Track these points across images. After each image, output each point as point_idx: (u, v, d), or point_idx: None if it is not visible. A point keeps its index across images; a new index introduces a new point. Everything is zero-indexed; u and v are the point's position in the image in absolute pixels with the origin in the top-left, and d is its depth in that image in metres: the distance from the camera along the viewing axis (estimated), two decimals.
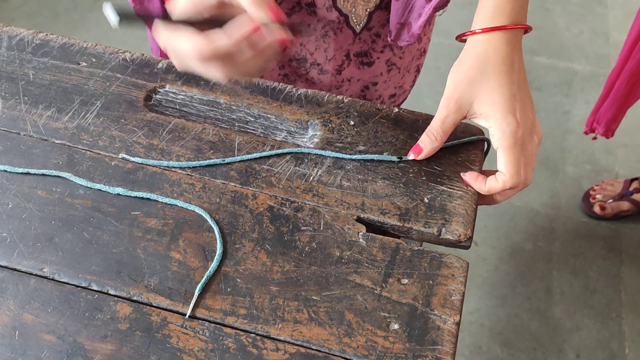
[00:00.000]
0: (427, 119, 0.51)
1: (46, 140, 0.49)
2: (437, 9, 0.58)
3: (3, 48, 0.55)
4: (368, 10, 0.62)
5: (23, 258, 0.43)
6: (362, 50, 0.65)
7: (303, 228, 0.45)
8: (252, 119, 0.51)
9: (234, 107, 0.52)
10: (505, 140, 0.43)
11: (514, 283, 1.29)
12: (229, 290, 0.42)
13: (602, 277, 1.31)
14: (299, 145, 0.50)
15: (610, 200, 1.38)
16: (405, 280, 0.42)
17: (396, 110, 0.52)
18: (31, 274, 0.42)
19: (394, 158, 0.48)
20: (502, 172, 0.44)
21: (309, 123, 0.51)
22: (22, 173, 0.47)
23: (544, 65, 1.78)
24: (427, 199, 0.46)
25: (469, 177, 0.47)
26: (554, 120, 1.63)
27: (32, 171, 0.47)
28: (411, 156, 0.47)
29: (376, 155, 0.48)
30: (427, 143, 0.47)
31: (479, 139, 0.49)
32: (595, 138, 1.28)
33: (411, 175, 0.47)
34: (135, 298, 0.41)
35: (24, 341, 0.39)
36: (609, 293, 1.29)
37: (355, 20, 0.62)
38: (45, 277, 0.42)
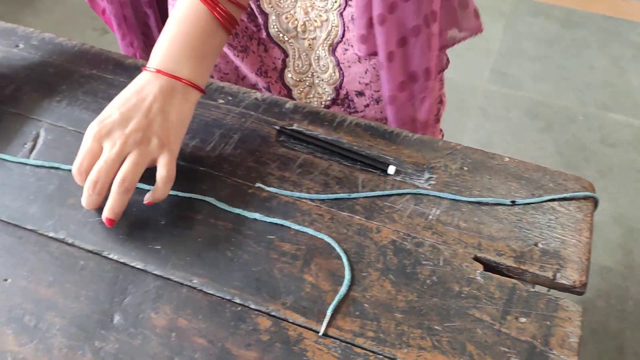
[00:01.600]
0: (538, 170, 0.55)
1: (192, 167, 0.55)
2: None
3: None
4: (323, 104, 0.66)
5: (175, 269, 0.48)
6: None
7: (424, 262, 0.48)
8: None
9: (355, 148, 0.57)
10: None
11: (585, 339, 1.27)
12: (357, 313, 0.46)
13: None
14: (416, 186, 0.54)
15: None
16: (523, 319, 0.45)
17: (507, 159, 0.56)
18: (182, 284, 0.47)
19: (507, 201, 0.52)
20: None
21: (425, 166, 0.55)
22: (172, 195, 0.53)
23: (618, 122, 1.78)
24: (542, 244, 0.49)
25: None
26: (628, 177, 1.62)
27: (180, 194, 0.53)
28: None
29: (491, 199, 0.52)
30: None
31: (589, 196, 0.52)
32: None
33: (525, 221, 0.51)
34: (273, 313, 0.46)
35: (180, 342, 0.44)
36: None
37: None
38: (195, 288, 0.47)
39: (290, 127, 0.58)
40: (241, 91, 0.62)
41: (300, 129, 0.58)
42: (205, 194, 0.53)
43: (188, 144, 0.57)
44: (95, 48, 0.66)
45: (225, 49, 0.70)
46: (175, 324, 0.45)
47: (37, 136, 0.57)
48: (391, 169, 0.54)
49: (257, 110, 0.60)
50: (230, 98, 0.61)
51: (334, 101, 0.68)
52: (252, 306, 0.46)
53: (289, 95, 0.67)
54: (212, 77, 0.70)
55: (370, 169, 0.55)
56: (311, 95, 0.67)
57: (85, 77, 0.62)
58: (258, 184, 0.54)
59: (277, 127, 0.58)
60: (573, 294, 0.48)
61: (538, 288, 0.47)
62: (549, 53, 1.99)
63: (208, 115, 0.60)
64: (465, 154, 0.56)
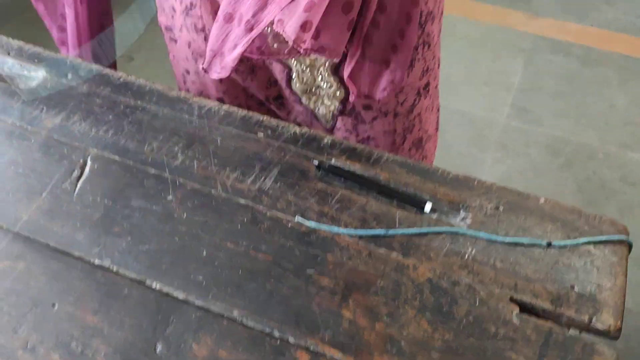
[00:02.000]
0: (573, 211, 0.56)
1: (233, 199, 0.57)
2: (260, 50, 0.58)
3: (194, 116, 0.64)
4: (331, 113, 0.67)
5: (216, 300, 0.49)
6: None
7: (460, 302, 0.49)
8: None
9: (392, 185, 0.58)
10: None
11: None
12: (394, 351, 0.46)
13: None
14: (452, 225, 0.55)
15: None
16: None
17: (542, 200, 0.57)
18: (223, 315, 0.48)
19: (544, 242, 0.52)
20: None
21: (460, 205, 0.56)
22: (213, 229, 0.54)
23: (639, 162, 1.77)
24: (577, 288, 0.50)
25: None
26: None
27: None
28: None
29: (526, 239, 0.53)
30: None
31: (622, 240, 0.53)
32: None
33: (561, 263, 0.51)
34: (311, 348, 0.46)
35: None
36: None
37: (322, 119, 0.67)
38: (235, 320, 0.48)
39: (329, 163, 0.60)
40: (280, 125, 0.64)
41: (338, 165, 0.60)
42: (246, 226, 0.54)
43: (229, 176, 0.58)
44: (140, 80, 0.68)
45: (234, 75, 0.70)
46: (216, 355, 0.46)
47: (85, 164, 0.59)
48: (428, 206, 0.56)
49: (296, 145, 0.62)
50: (269, 132, 0.63)
51: (341, 112, 0.68)
52: (291, 340, 0.47)
53: (299, 101, 0.67)
54: (222, 101, 0.71)
55: (407, 205, 0.56)
56: (319, 104, 0.68)
57: (130, 107, 0.64)
58: (297, 219, 0.55)
59: (316, 162, 0.60)
60: (607, 339, 0.48)
61: (572, 331, 0.48)
62: (568, 90, 2.01)
63: (249, 148, 0.61)
64: (501, 193, 0.57)
